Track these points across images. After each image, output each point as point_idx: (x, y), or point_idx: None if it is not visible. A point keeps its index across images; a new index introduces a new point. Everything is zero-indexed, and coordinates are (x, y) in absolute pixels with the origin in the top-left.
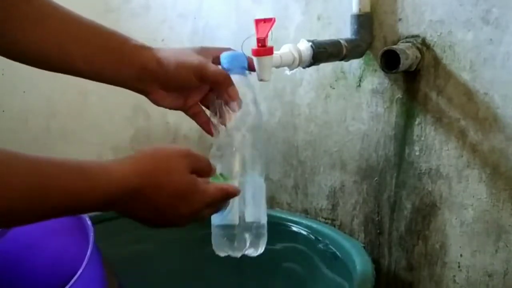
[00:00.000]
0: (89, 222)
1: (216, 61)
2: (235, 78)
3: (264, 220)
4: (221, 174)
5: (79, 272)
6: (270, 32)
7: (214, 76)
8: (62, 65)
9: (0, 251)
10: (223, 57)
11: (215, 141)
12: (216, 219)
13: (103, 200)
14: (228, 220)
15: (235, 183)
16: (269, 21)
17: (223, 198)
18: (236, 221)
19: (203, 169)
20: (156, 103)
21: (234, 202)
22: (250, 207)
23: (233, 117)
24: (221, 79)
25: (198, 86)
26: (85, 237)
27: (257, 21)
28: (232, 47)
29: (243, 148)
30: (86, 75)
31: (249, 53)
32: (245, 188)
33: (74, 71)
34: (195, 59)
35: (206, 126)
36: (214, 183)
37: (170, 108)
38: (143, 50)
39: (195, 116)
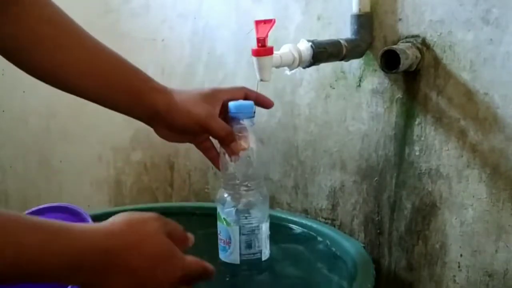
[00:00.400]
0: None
1: (227, 103)
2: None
3: (266, 257)
4: (224, 219)
5: None
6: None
7: (217, 132)
8: (77, 91)
9: None
10: (231, 106)
11: (221, 186)
12: (221, 254)
13: (67, 261)
14: (230, 259)
15: (237, 229)
16: (269, 22)
17: (201, 273)
18: (238, 262)
19: (178, 236)
20: (163, 138)
21: (236, 244)
22: (253, 249)
23: (234, 166)
24: (223, 136)
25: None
26: None
27: (257, 22)
28: (232, 48)
29: (248, 194)
30: (99, 103)
31: (249, 53)
32: (247, 231)
33: (87, 98)
34: (201, 110)
35: (215, 162)
36: (191, 256)
37: (177, 142)
38: (158, 93)
39: (205, 150)
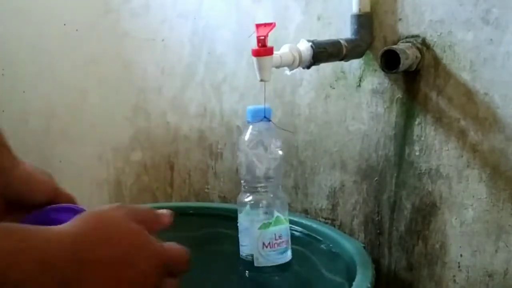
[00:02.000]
0: None
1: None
2: (259, 125)
3: (260, 264)
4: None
5: None
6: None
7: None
8: None
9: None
10: (248, 110)
11: (243, 189)
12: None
13: (40, 263)
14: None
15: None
16: (269, 25)
17: (181, 259)
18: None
19: (148, 218)
20: None
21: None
22: (244, 251)
23: None
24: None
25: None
26: None
27: (258, 26)
28: (232, 48)
29: (245, 195)
30: None
31: (249, 53)
32: (240, 233)
33: None
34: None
35: None
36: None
37: None
38: None
39: None
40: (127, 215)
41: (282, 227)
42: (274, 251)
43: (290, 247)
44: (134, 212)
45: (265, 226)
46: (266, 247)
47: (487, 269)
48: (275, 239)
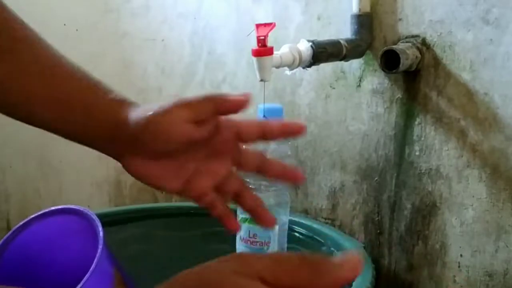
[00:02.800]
0: (99, 225)
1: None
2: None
3: None
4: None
5: (91, 268)
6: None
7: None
8: (18, 109)
9: (22, 244)
10: (260, 109)
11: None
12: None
13: None
14: None
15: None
16: (269, 25)
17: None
18: None
19: (271, 261)
20: (135, 173)
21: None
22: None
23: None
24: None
25: (197, 150)
26: (96, 239)
27: (258, 26)
28: (232, 48)
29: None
30: (48, 127)
31: (249, 53)
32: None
33: (32, 118)
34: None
35: (228, 220)
36: None
37: (159, 188)
38: (121, 105)
39: (210, 206)
40: (236, 271)
41: (257, 228)
42: (248, 247)
43: (276, 249)
44: (248, 262)
45: (242, 220)
46: (242, 240)
47: (487, 269)
48: (249, 237)
